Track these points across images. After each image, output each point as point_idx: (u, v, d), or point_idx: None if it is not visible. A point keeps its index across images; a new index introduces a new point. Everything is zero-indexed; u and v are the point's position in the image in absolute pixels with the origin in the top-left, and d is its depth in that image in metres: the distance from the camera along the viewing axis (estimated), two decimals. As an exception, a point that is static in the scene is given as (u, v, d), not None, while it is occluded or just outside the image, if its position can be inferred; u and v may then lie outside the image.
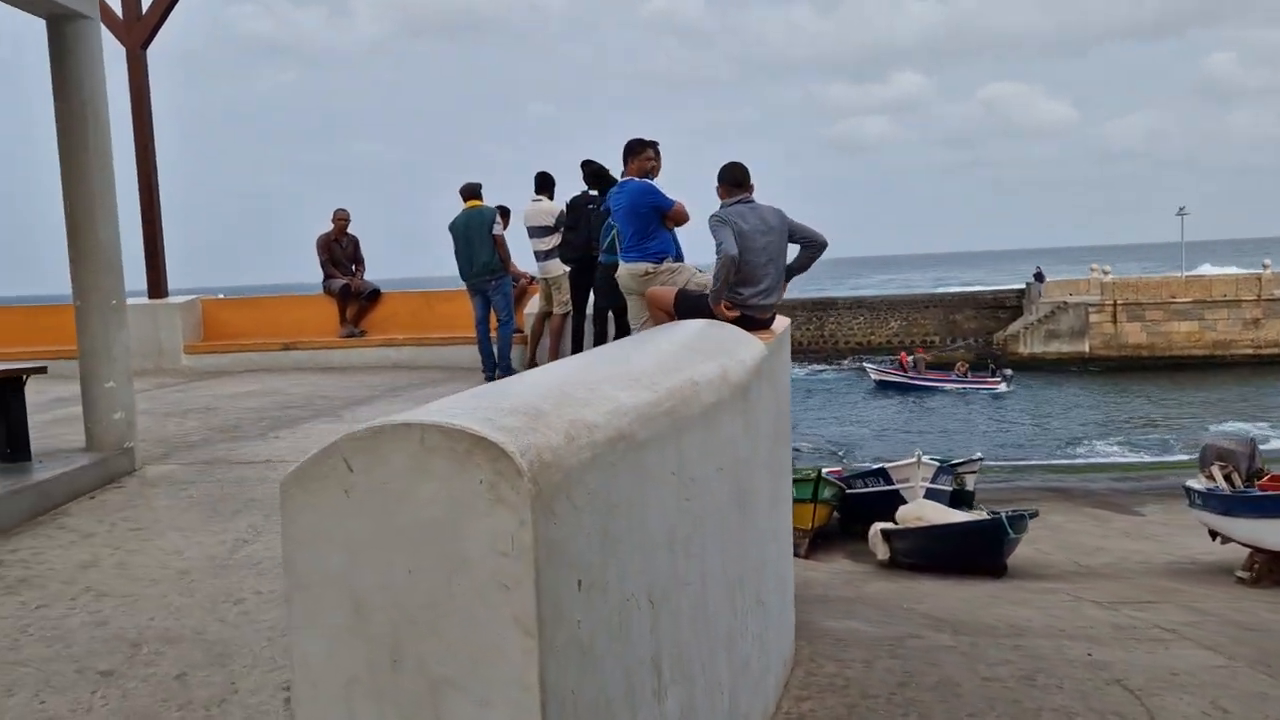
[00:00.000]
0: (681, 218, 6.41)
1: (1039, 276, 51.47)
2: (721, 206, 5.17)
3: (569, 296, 9.69)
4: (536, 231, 9.55)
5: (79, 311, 5.49)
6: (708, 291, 5.13)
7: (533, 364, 9.74)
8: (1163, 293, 46.03)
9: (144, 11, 10.46)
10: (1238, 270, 52.26)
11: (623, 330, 7.92)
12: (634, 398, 2.69)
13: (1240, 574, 9.81)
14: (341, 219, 11.15)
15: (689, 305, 5.19)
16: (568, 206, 8.91)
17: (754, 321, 5.08)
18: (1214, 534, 11.02)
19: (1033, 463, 25.40)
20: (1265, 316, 45.72)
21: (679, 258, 6.47)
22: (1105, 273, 47.88)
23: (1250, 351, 45.23)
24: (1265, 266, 47.54)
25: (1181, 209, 51.36)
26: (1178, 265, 54.37)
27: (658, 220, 6.35)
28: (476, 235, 9.01)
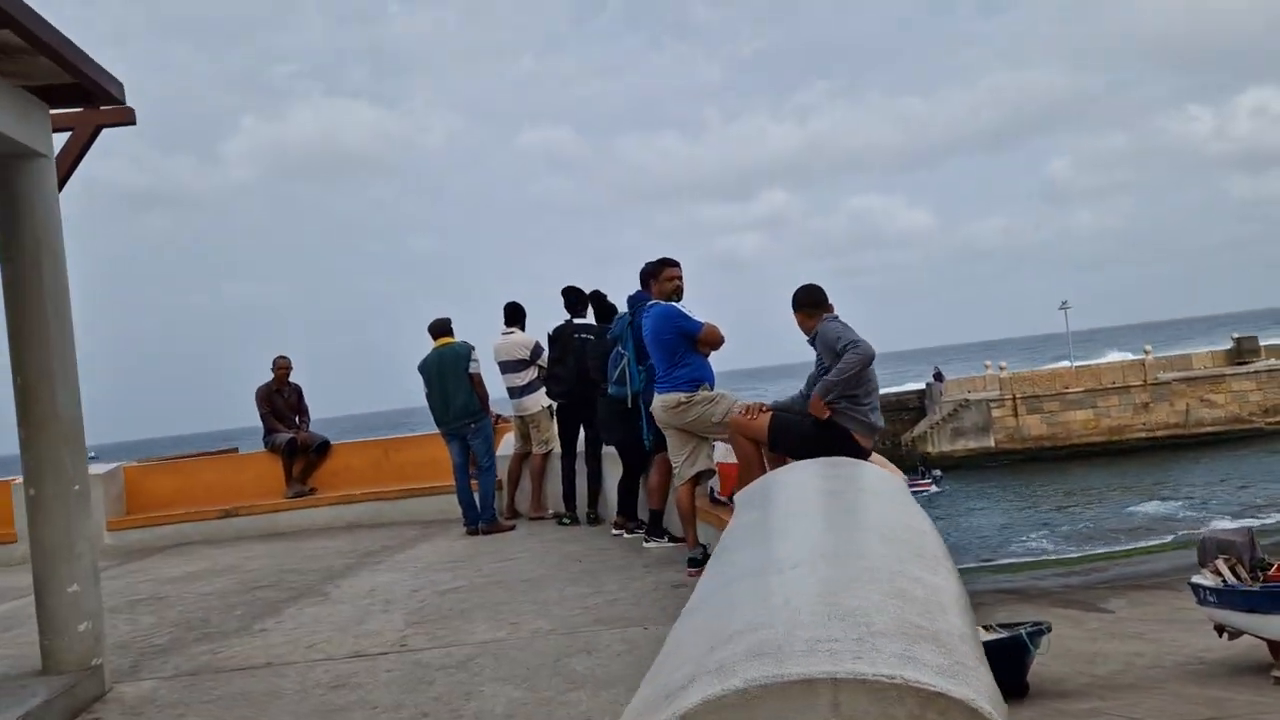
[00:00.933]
0: (714, 340, 5.82)
1: (938, 376, 52.67)
2: (824, 323, 4.60)
3: (551, 434, 8.92)
4: (511, 366, 8.82)
5: (33, 501, 4.48)
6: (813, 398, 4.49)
7: (511, 510, 8.86)
8: (1056, 384, 47.56)
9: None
10: (1124, 356, 54.56)
11: (633, 468, 7.19)
12: (952, 583, 2.00)
13: (1277, 674, 9.44)
14: (283, 367, 10.19)
15: (790, 431, 4.52)
16: (552, 338, 8.24)
17: (856, 445, 4.46)
18: (1220, 629, 10.66)
19: (974, 565, 25.18)
20: (1153, 400, 47.60)
21: (712, 384, 5.85)
22: (1002, 368, 49.33)
23: (1144, 434, 46.74)
24: (1147, 352, 49.83)
25: (1064, 303, 53.62)
26: (1063, 356, 56.32)
27: (687, 346, 5.73)
28: (451, 375, 8.22)
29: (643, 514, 7.35)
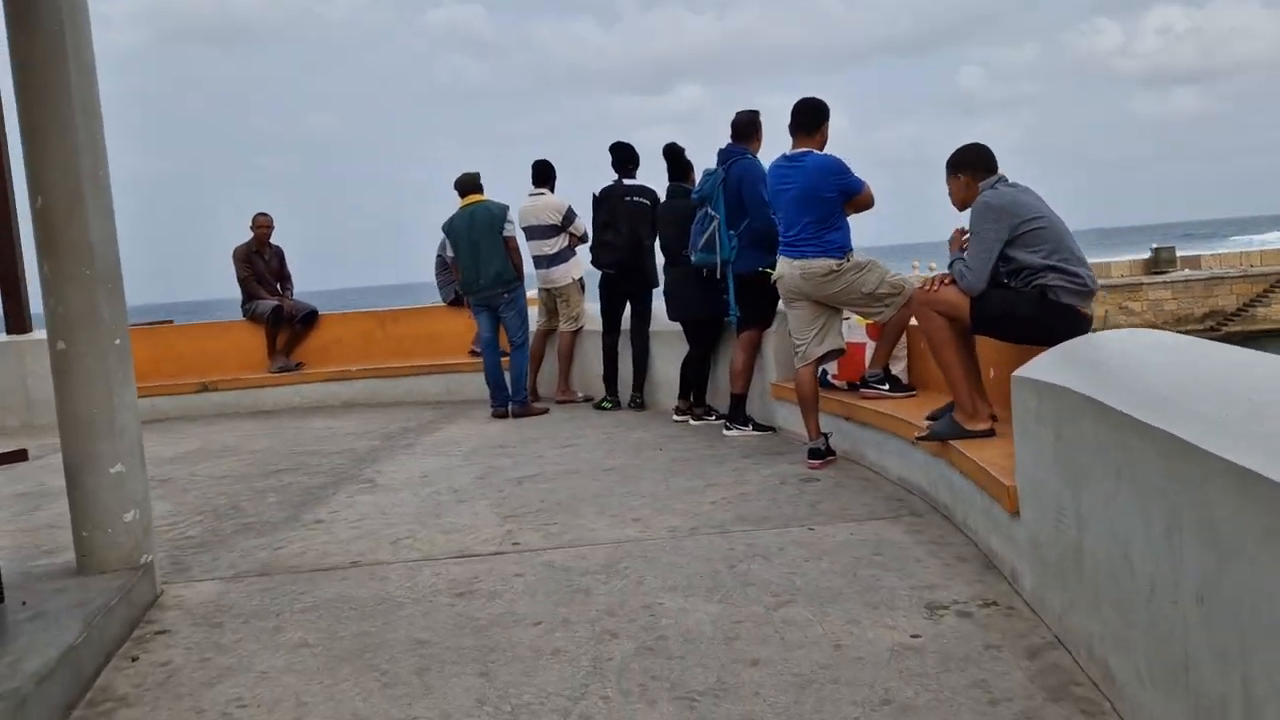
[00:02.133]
0: (869, 203, 4.99)
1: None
2: (991, 189, 3.80)
3: (581, 310, 8.04)
4: (539, 232, 7.85)
5: (62, 358, 3.48)
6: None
7: (534, 394, 8.00)
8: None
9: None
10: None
11: (707, 347, 6.39)
12: None
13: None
14: (264, 225, 8.99)
15: (1000, 306, 3.75)
16: (599, 199, 7.27)
17: (1081, 318, 3.73)
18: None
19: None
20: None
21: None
22: (931, 268, 49.76)
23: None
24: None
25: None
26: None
27: (841, 206, 4.90)
28: (485, 238, 7.22)
29: (712, 399, 6.59)
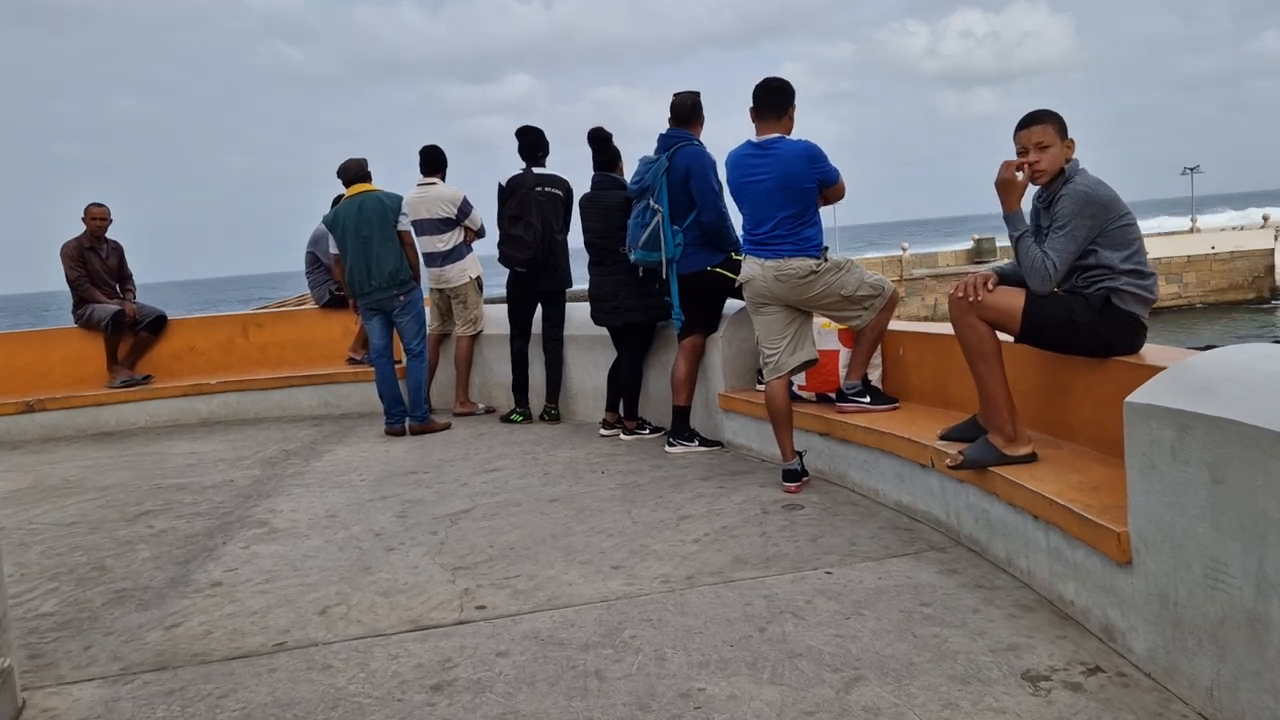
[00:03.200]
0: (843, 193, 4.49)
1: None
2: (1081, 173, 3.35)
3: (480, 312, 7.30)
4: (431, 226, 7.04)
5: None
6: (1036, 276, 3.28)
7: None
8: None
9: None
10: (880, 254, 57.36)
11: (639, 355, 5.80)
12: None
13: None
14: (99, 217, 7.76)
15: (1055, 314, 3.29)
16: (506, 190, 6.52)
17: (1139, 329, 3.33)
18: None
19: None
20: (907, 295, 50.63)
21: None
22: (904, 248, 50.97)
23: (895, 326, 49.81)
24: (904, 249, 52.70)
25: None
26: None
27: (816, 199, 4.37)
28: (376, 233, 6.35)
29: (644, 410, 5.98)
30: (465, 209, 7.09)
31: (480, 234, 7.27)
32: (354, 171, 6.52)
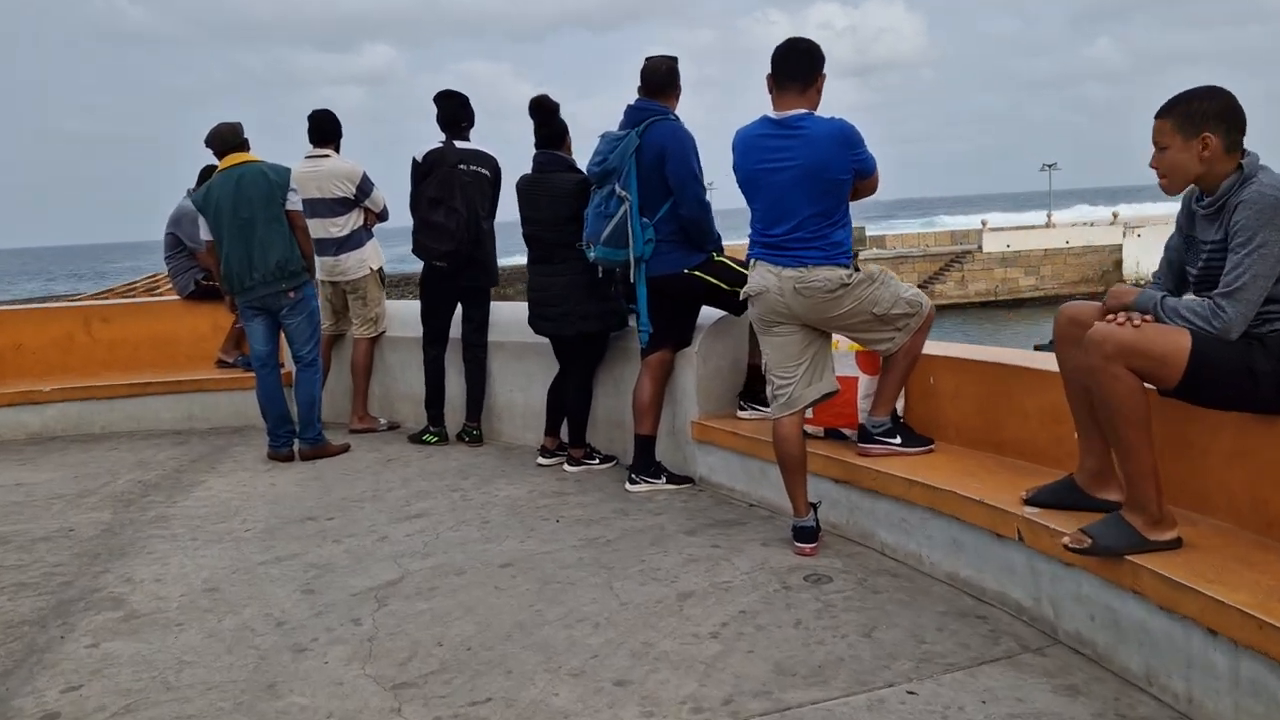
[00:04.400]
0: (876, 188, 3.64)
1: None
2: (1264, 169, 2.56)
3: (381, 310, 6.21)
4: (324, 207, 5.90)
5: None
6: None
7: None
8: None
9: None
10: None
11: (589, 371, 4.88)
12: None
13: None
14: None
15: (1231, 368, 2.51)
16: (422, 167, 5.43)
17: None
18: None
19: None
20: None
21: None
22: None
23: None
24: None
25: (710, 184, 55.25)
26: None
27: (848, 193, 3.52)
28: (260, 213, 5.17)
29: (590, 435, 5.03)
30: (365, 187, 5.96)
31: (382, 217, 6.16)
32: (227, 139, 5.30)
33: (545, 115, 4.81)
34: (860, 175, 3.48)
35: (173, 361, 6.74)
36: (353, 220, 5.99)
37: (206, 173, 6.54)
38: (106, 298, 10.05)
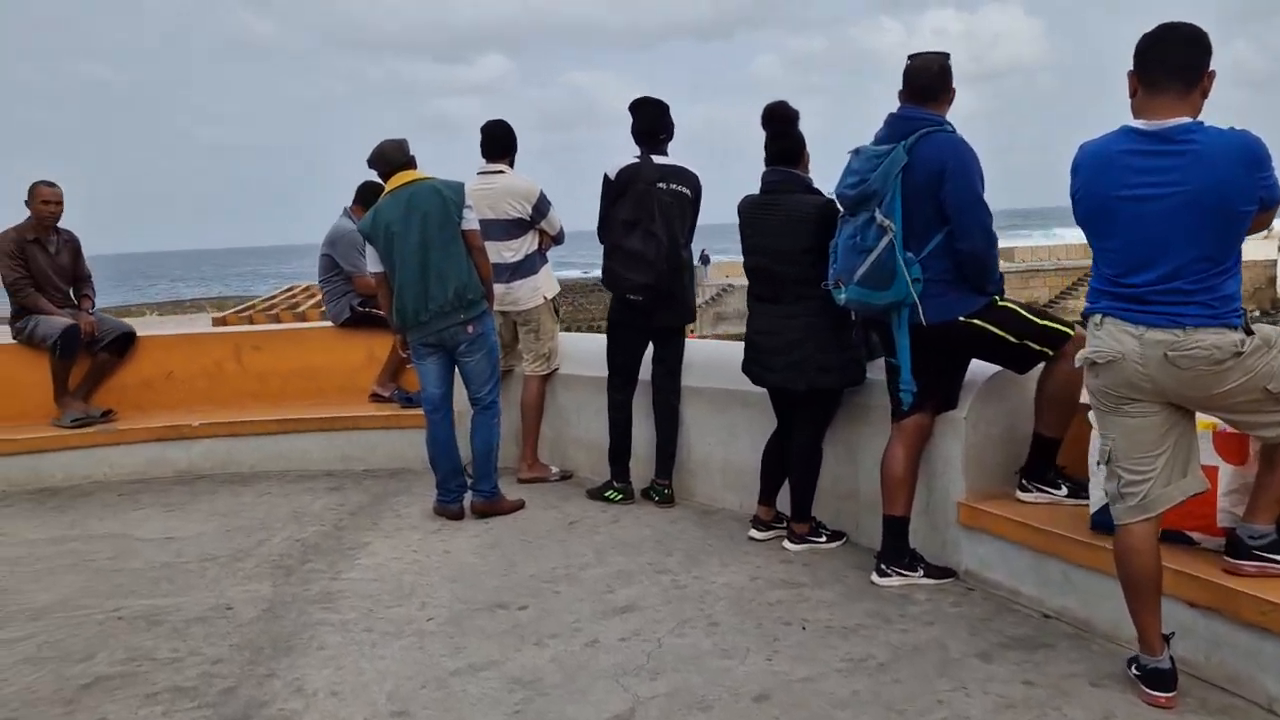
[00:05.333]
0: (1270, 222, 2.75)
1: (704, 259, 51.83)
2: None
3: (555, 344, 5.55)
4: (497, 229, 5.24)
5: None
6: None
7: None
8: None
9: None
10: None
11: (813, 437, 4.07)
12: None
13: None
14: (51, 200, 5.89)
15: None
16: (616, 185, 4.74)
17: None
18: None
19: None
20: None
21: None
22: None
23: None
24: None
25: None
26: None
27: (1245, 230, 2.63)
28: (436, 236, 4.55)
29: (817, 508, 4.23)
30: (542, 207, 5.31)
31: (558, 240, 5.50)
32: (393, 157, 4.70)
33: (782, 125, 4.03)
34: (1266, 205, 2.60)
35: (324, 395, 6.21)
36: (527, 244, 5.34)
37: (367, 190, 6.01)
38: (250, 316, 9.75)
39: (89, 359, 5.95)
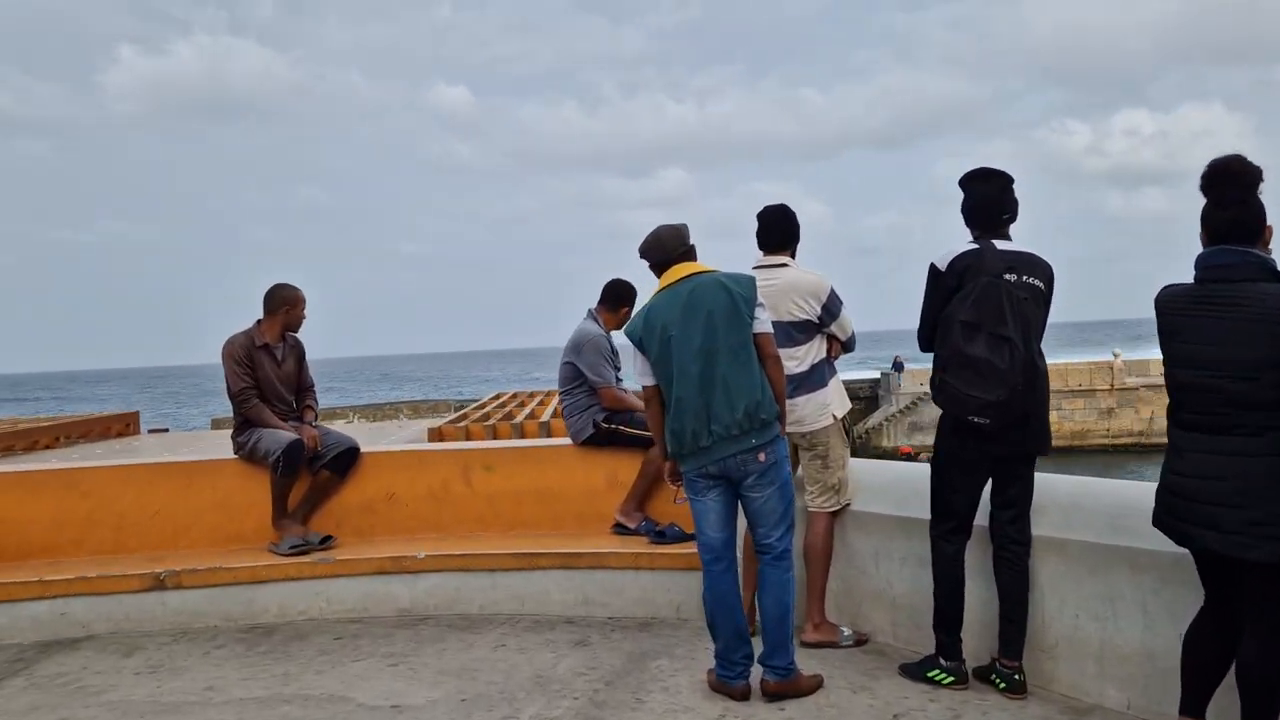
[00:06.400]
0: None
1: (898, 365, 50.04)
2: None
3: (845, 475, 4.52)
4: (781, 333, 4.28)
5: None
6: None
7: (752, 611, 4.36)
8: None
9: None
10: (1090, 359, 52.08)
11: (1272, 628, 2.79)
12: None
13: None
14: (295, 301, 5.44)
15: None
16: (949, 277, 3.75)
17: None
18: None
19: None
20: (1119, 405, 45.71)
21: None
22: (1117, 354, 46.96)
23: (1105, 441, 45.53)
24: (1116, 356, 47.56)
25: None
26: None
27: None
28: (724, 341, 3.68)
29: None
30: (833, 306, 4.38)
31: (848, 347, 4.54)
32: (669, 245, 3.89)
33: (1235, 189, 2.95)
34: None
35: (559, 522, 5.40)
36: (814, 350, 4.41)
37: (618, 289, 5.29)
38: (467, 429, 9.23)
39: (309, 477, 5.37)
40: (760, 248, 4.56)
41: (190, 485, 5.41)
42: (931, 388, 3.76)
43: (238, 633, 4.85)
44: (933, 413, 45.85)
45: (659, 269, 3.98)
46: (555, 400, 16.28)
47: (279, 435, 5.19)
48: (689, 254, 3.96)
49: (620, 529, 5.25)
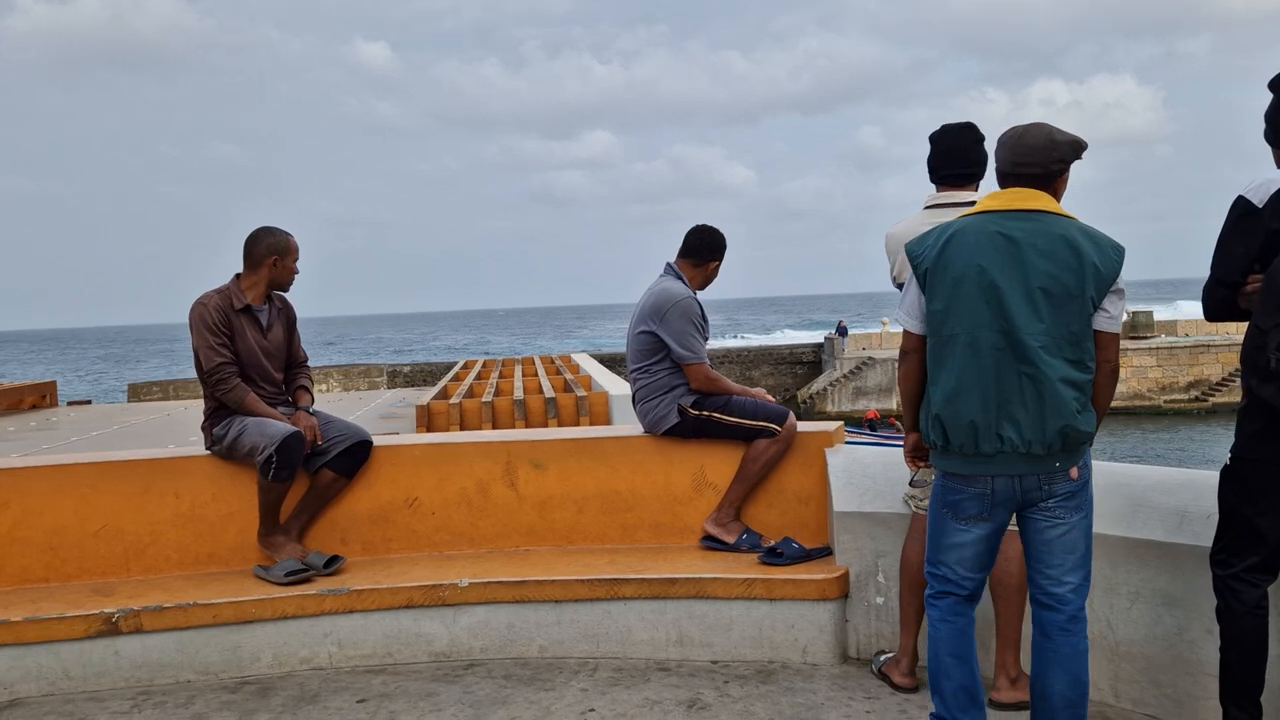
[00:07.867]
0: None
1: (842, 330, 49.93)
2: None
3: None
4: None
5: None
6: None
7: (910, 670, 3.26)
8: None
9: None
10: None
11: None
12: None
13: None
14: (286, 251, 4.14)
15: None
16: (1263, 211, 2.65)
17: None
18: None
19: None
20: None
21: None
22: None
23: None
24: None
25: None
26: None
27: None
28: (1052, 320, 2.53)
29: None
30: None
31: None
32: (1057, 155, 2.66)
33: None
34: None
35: (632, 535, 4.25)
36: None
37: (707, 237, 4.14)
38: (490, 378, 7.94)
39: (307, 479, 4.12)
40: (934, 180, 3.44)
41: (147, 491, 4.11)
42: (1252, 372, 2.68)
43: (222, 691, 3.61)
44: (877, 378, 45.73)
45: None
46: (518, 372, 14.91)
47: (269, 427, 3.92)
48: (1045, 177, 2.72)
49: (712, 543, 4.12)
